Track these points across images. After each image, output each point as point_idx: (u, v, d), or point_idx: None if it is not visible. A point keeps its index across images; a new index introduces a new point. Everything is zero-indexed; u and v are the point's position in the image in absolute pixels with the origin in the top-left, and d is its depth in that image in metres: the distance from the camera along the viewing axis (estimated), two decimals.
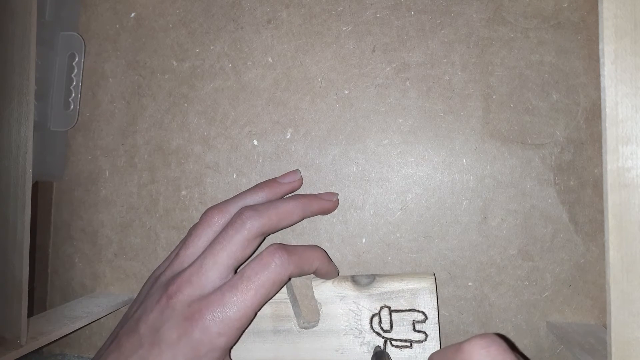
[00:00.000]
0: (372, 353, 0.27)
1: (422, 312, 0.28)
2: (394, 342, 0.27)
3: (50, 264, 0.37)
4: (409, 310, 0.28)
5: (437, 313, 0.28)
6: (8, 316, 0.27)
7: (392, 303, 0.28)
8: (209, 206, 0.30)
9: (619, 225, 0.21)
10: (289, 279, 0.26)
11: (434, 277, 0.28)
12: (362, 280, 0.29)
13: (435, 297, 0.28)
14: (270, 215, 0.27)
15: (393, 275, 0.29)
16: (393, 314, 0.28)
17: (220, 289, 0.25)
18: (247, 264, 0.26)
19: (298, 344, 0.28)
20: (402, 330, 0.28)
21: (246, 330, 0.26)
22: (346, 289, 0.28)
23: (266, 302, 0.26)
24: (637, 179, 0.21)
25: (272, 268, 0.25)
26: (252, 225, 0.26)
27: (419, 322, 0.28)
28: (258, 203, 0.29)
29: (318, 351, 0.28)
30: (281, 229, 0.28)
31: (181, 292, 0.25)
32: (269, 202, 0.28)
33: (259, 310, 0.25)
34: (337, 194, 0.32)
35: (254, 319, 0.26)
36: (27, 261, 0.27)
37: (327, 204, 0.31)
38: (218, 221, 0.28)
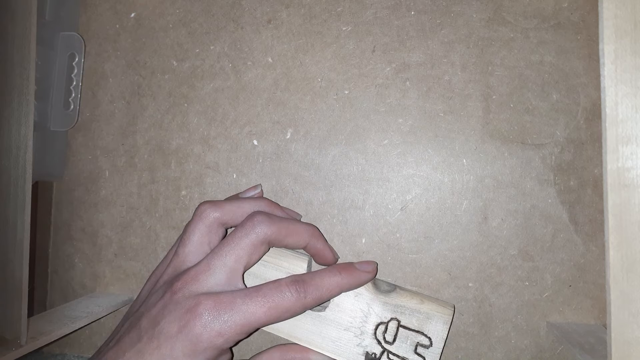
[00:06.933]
0: (365, 357, 0.27)
1: (429, 338, 0.27)
2: (391, 356, 0.27)
3: (50, 264, 0.37)
4: (417, 331, 0.27)
5: (443, 344, 0.27)
6: (8, 316, 0.27)
7: (403, 318, 0.28)
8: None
9: (619, 225, 0.21)
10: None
11: (453, 309, 0.28)
12: (382, 286, 0.28)
13: (447, 330, 0.27)
14: (280, 227, 0.27)
15: (415, 292, 0.28)
16: (400, 328, 0.27)
17: (232, 293, 0.25)
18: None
19: (298, 321, 0.28)
20: (403, 347, 0.27)
21: None
22: (364, 289, 0.28)
23: (271, 324, 0.26)
24: (637, 179, 0.21)
25: (286, 294, 0.25)
26: (261, 230, 0.26)
27: (422, 346, 0.27)
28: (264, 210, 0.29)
29: (315, 335, 0.28)
30: (286, 247, 0.28)
31: (187, 287, 0.25)
32: (283, 217, 0.28)
33: (260, 327, 0.25)
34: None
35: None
36: (27, 261, 0.27)
37: (330, 257, 0.29)
38: (210, 214, 0.27)
